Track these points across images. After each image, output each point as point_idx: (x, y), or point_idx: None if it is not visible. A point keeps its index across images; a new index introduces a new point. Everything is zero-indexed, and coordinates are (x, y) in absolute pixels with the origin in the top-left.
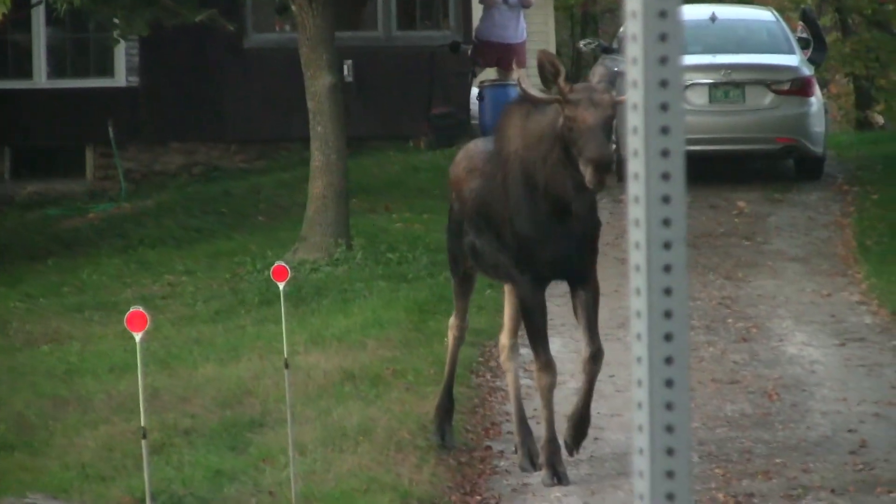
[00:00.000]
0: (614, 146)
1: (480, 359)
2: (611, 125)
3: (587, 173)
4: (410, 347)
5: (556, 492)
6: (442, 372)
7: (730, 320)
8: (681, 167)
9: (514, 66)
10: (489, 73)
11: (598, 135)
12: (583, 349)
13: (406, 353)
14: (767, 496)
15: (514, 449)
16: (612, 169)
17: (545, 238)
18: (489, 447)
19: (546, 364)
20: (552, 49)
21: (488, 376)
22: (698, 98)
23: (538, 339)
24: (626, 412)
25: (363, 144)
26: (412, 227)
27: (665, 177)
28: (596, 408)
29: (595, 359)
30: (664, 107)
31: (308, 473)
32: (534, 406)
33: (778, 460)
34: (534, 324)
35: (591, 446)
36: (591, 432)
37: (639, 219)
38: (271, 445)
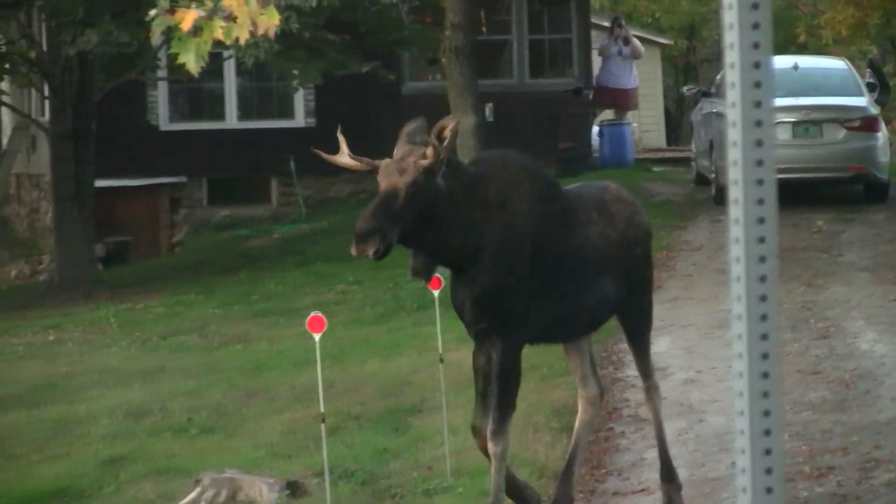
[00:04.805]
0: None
1: (603, 353)
2: (403, 193)
3: None
4: None
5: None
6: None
7: (811, 321)
8: (773, 193)
9: (627, 107)
10: (607, 114)
11: (370, 206)
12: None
13: (540, 348)
14: (845, 468)
15: None
16: (367, 241)
17: (453, 294)
18: (611, 428)
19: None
20: (658, 93)
21: (610, 369)
22: (783, 134)
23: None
24: (724, 398)
25: None
26: None
27: (760, 202)
28: (699, 396)
29: (493, 443)
30: (759, 143)
31: (459, 451)
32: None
33: (854, 438)
34: (475, 385)
35: (695, 427)
36: (695, 416)
37: (738, 237)
38: (428, 428)
